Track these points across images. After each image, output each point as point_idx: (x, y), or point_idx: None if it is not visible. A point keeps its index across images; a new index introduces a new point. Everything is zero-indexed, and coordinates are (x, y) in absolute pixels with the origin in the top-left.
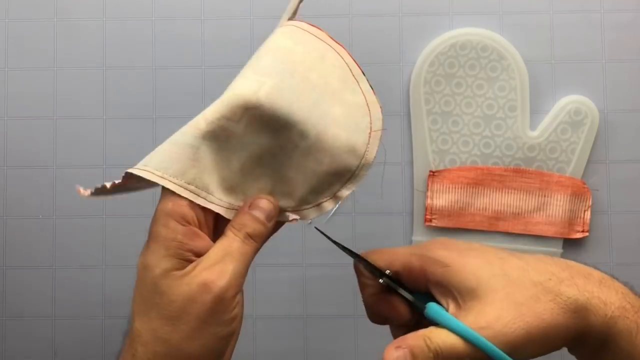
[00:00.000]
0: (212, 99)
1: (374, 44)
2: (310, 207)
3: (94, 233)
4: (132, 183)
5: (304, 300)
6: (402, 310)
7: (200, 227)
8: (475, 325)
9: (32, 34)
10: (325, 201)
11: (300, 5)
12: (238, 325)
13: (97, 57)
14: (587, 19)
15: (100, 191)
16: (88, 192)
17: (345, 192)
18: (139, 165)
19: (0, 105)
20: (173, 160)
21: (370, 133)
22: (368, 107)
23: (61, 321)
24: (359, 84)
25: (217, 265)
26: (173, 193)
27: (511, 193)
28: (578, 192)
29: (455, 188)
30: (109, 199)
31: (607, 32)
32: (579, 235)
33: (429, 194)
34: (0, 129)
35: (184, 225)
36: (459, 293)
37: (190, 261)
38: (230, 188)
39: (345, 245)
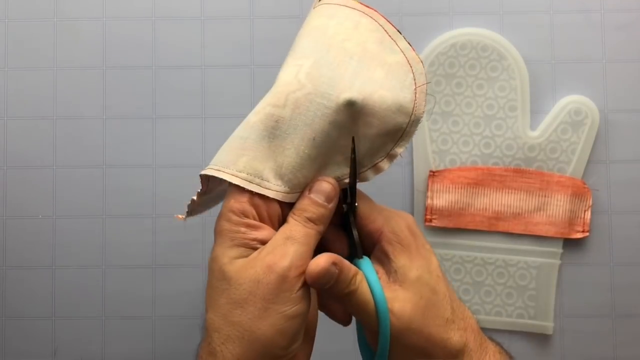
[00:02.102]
0: (212, 99)
1: None
2: (367, 169)
3: (94, 233)
4: (209, 185)
5: None
6: (343, 242)
7: (262, 221)
8: (390, 305)
9: (32, 34)
10: (380, 161)
11: None
12: (305, 309)
13: (97, 57)
14: (587, 19)
15: (193, 207)
16: (184, 215)
17: (398, 150)
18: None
19: (0, 105)
20: (225, 152)
21: (415, 89)
22: (409, 63)
23: (61, 321)
24: (396, 43)
25: (279, 247)
26: (236, 190)
27: (511, 193)
28: (578, 192)
29: (455, 188)
30: (206, 213)
31: (607, 32)
32: (579, 235)
33: (429, 194)
34: (0, 129)
35: (244, 219)
36: (396, 273)
37: (256, 249)
38: (289, 173)
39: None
